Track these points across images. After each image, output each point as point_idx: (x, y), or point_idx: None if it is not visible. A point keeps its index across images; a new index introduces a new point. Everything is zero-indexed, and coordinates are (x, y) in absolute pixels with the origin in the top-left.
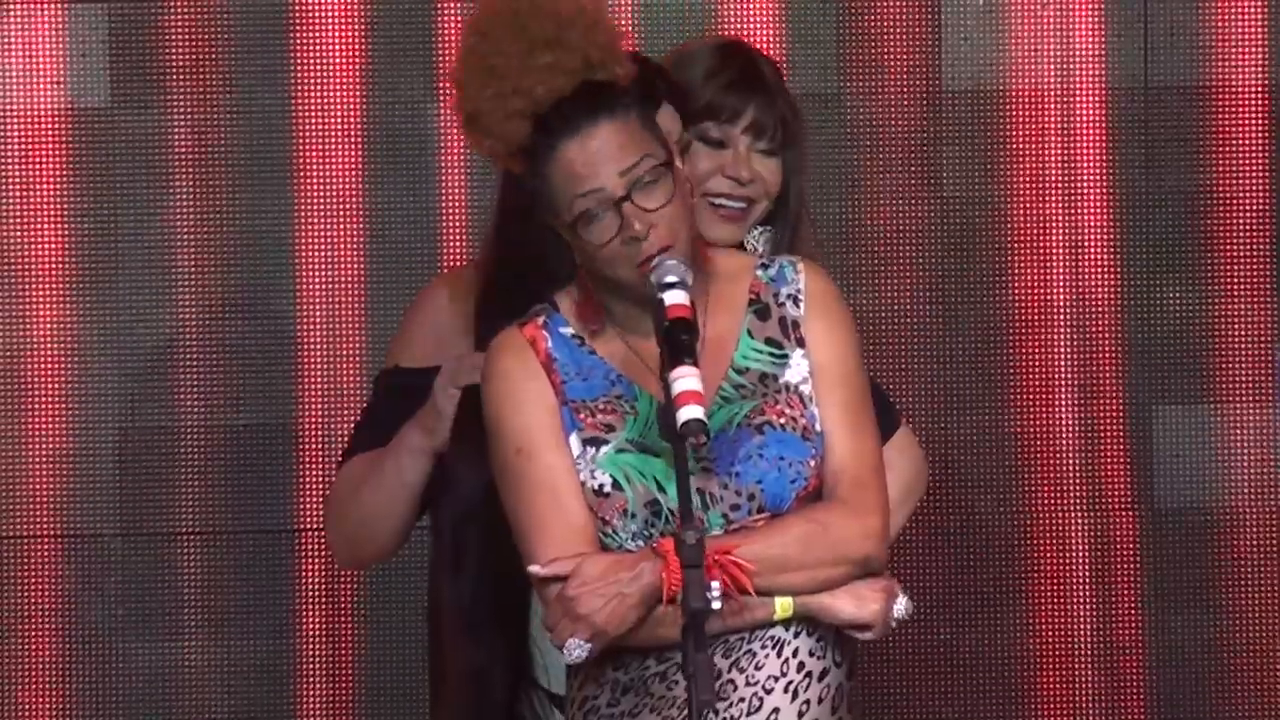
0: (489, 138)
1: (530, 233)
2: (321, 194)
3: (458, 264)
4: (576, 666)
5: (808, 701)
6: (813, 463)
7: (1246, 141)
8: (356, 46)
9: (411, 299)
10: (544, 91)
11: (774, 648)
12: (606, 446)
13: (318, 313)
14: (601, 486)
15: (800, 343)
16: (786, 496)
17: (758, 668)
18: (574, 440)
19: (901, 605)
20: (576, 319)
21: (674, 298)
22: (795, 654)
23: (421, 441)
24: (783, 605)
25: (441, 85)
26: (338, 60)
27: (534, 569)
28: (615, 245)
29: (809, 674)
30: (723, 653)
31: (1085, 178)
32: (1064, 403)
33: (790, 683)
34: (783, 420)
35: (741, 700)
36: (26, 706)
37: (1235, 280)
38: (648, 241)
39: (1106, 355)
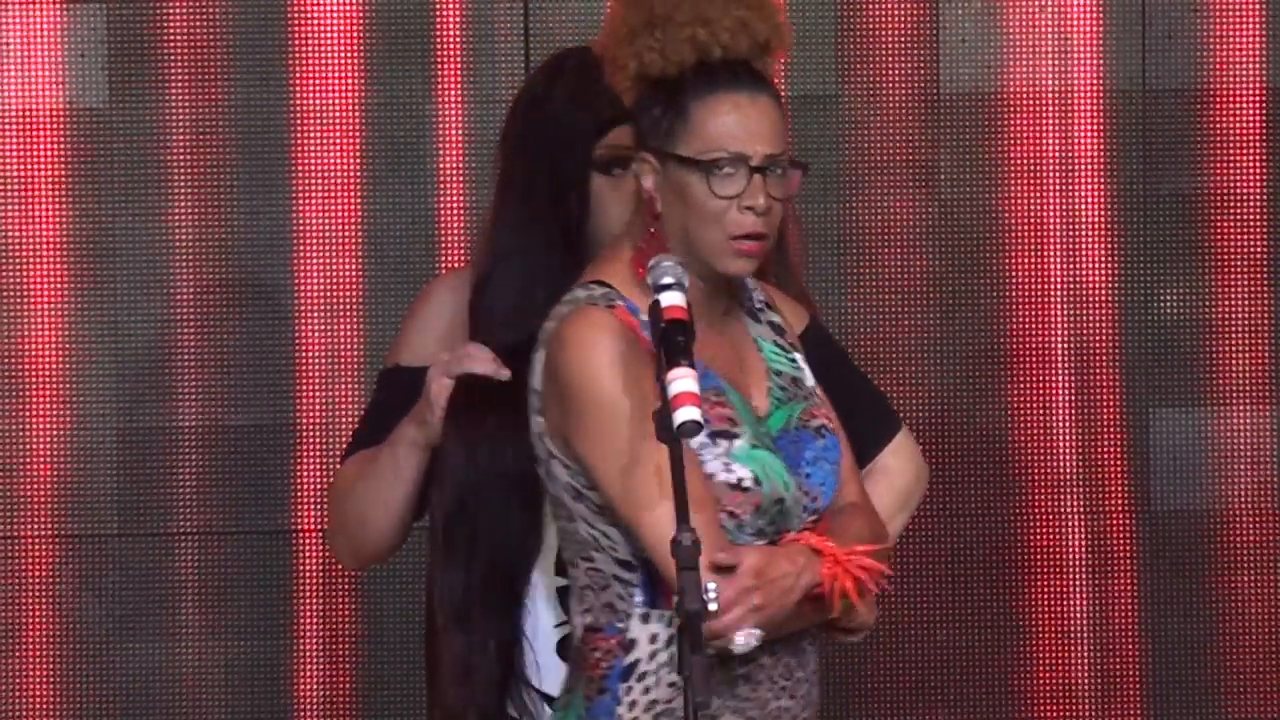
0: (653, 45)
1: (525, 228)
2: (320, 194)
3: (456, 264)
4: (632, 668)
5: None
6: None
7: (1244, 144)
8: (355, 46)
9: (410, 299)
10: (728, 40)
11: (813, 648)
12: (739, 441)
13: (316, 313)
14: (741, 480)
15: (795, 347)
16: (830, 499)
17: (813, 669)
18: None
19: None
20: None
21: (670, 299)
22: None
23: (415, 434)
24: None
25: (439, 83)
26: (336, 60)
27: (721, 557)
28: (727, 204)
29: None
30: (791, 652)
31: (1083, 180)
32: (1061, 405)
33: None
34: (830, 424)
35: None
36: (24, 706)
37: (1232, 283)
38: (753, 220)
39: (1104, 358)
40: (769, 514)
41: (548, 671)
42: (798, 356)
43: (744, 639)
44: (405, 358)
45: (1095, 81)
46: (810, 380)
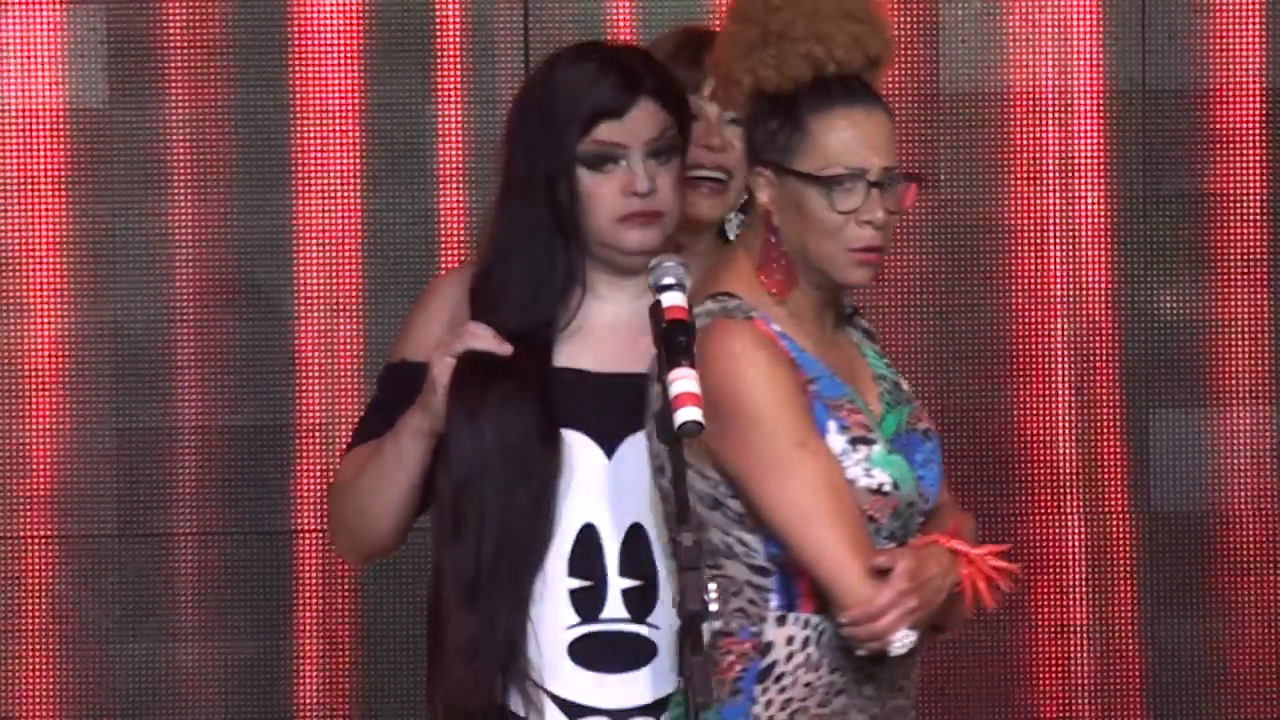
0: (770, 61)
1: (523, 218)
2: (319, 195)
3: (456, 264)
4: (769, 670)
5: None
6: None
7: (1244, 145)
8: (355, 46)
9: (410, 299)
10: (842, 55)
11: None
12: (876, 446)
13: (315, 313)
14: (881, 486)
15: (882, 354)
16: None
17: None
18: (836, 439)
19: None
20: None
21: (671, 299)
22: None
23: (419, 421)
24: None
25: (439, 84)
26: (336, 60)
27: (880, 561)
28: (846, 219)
29: None
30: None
31: (1083, 180)
32: (1061, 406)
33: None
34: (933, 427)
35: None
36: (23, 706)
37: (1233, 283)
38: (871, 233)
39: (1104, 359)
40: (903, 517)
41: (557, 673)
42: (889, 362)
43: (901, 641)
44: (409, 353)
45: (1095, 82)
46: (905, 383)
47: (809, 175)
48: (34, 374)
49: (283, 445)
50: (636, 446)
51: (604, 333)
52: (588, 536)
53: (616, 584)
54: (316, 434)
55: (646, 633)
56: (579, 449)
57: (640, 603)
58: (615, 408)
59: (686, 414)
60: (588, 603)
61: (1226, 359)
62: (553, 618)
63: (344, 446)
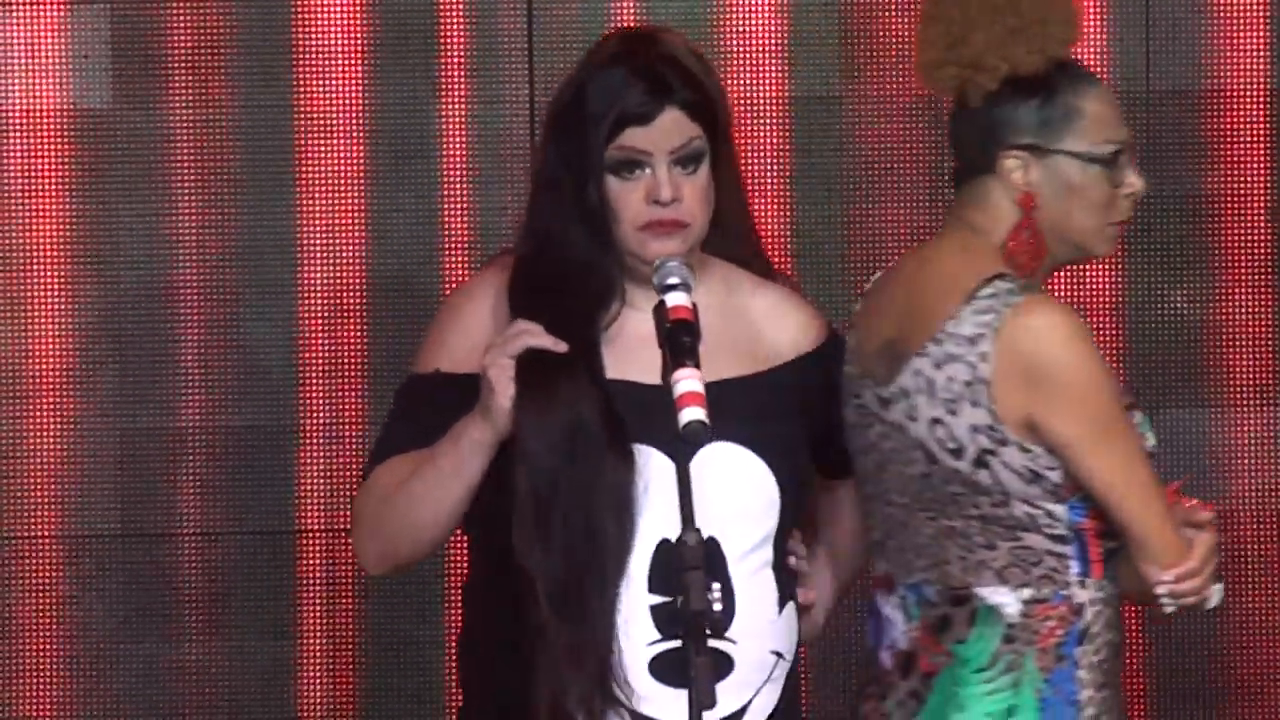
0: (1032, 46)
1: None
2: (323, 194)
3: (460, 266)
4: (1085, 632)
5: None
6: None
7: (1248, 146)
8: (358, 46)
9: (414, 301)
10: (1078, 35)
11: None
12: (1138, 411)
13: (319, 314)
14: (1152, 448)
15: None
16: None
17: None
18: None
19: None
20: None
21: (676, 299)
22: None
23: (483, 431)
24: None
25: (443, 85)
26: (340, 60)
27: (1203, 516)
28: (1118, 193)
29: None
30: None
31: None
32: None
33: None
34: None
35: None
36: (27, 706)
37: (1237, 284)
38: (1130, 205)
39: (1108, 358)
40: None
41: (639, 690)
42: None
43: (1217, 595)
44: (444, 363)
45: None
46: None
47: (1084, 154)
48: (38, 374)
49: (286, 446)
50: (706, 459)
51: (639, 343)
52: (665, 551)
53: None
54: (320, 434)
55: (725, 647)
56: (651, 462)
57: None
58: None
59: (691, 414)
60: (668, 619)
61: (1231, 359)
62: (635, 634)
63: (348, 447)
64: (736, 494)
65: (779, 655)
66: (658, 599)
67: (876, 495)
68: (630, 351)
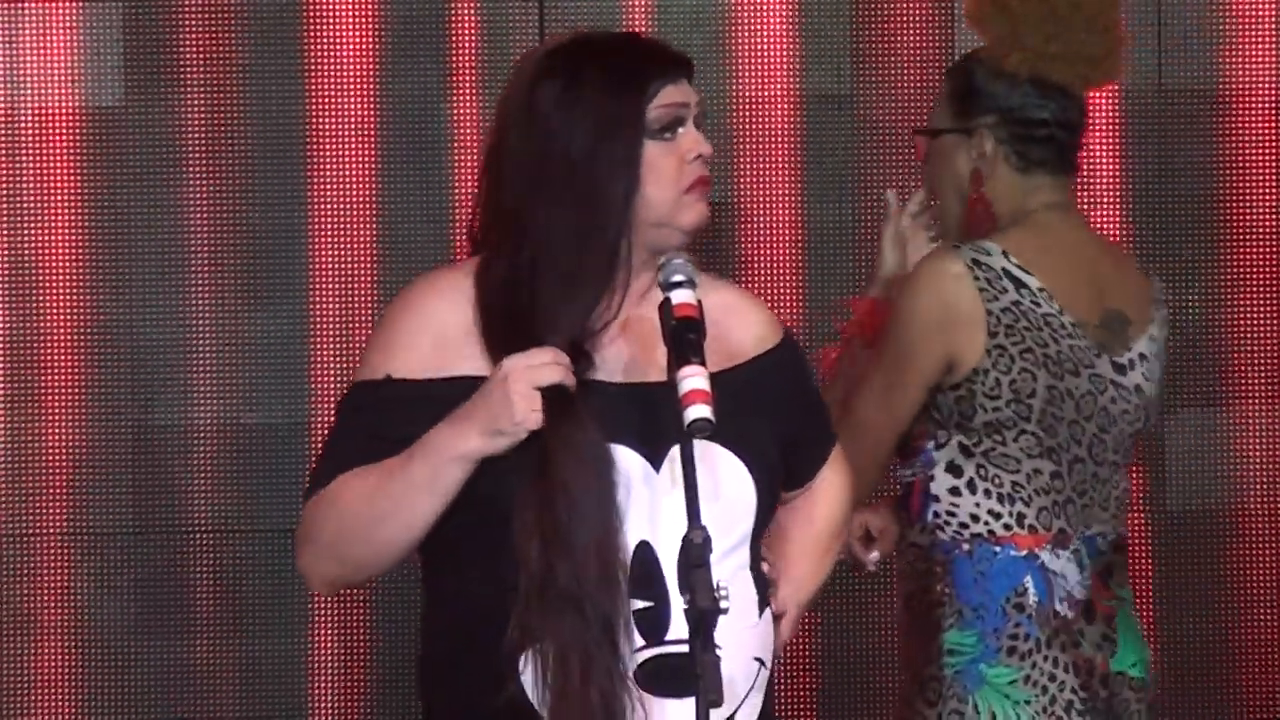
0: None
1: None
2: (335, 192)
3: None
4: None
5: None
6: None
7: (1260, 145)
8: (370, 43)
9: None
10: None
11: None
12: None
13: (331, 311)
14: None
15: None
16: None
17: None
18: None
19: None
20: None
21: (681, 296)
22: None
23: (480, 446)
24: None
25: (455, 82)
26: (351, 57)
27: None
28: None
29: None
30: None
31: (1099, 180)
32: None
33: None
34: None
35: None
36: (40, 703)
37: (1248, 284)
38: None
39: None
40: None
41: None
42: None
43: None
44: (396, 369)
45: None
46: None
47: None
48: (51, 370)
49: (299, 442)
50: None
51: (635, 339)
52: (645, 554)
53: (678, 603)
54: None
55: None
56: (627, 463)
57: None
58: (660, 418)
59: (696, 411)
60: (652, 624)
61: (1242, 358)
62: (620, 645)
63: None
64: (717, 493)
65: (760, 662)
66: (640, 604)
67: (1083, 458)
68: (618, 348)
